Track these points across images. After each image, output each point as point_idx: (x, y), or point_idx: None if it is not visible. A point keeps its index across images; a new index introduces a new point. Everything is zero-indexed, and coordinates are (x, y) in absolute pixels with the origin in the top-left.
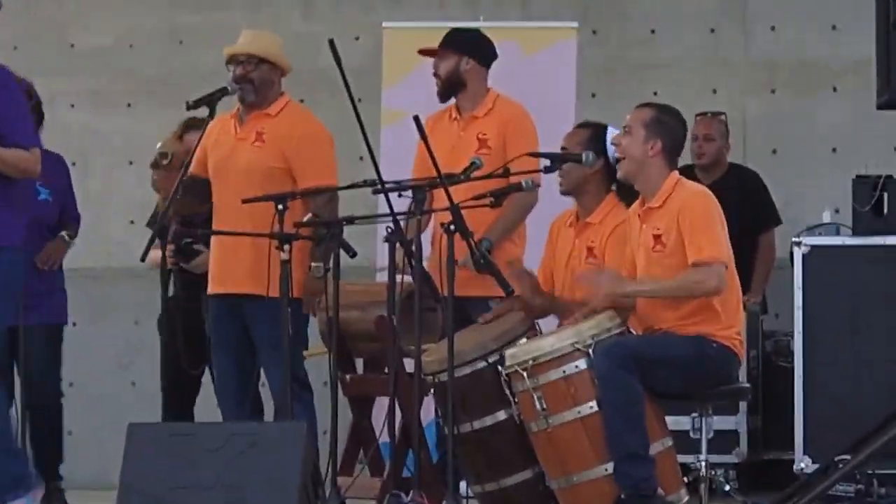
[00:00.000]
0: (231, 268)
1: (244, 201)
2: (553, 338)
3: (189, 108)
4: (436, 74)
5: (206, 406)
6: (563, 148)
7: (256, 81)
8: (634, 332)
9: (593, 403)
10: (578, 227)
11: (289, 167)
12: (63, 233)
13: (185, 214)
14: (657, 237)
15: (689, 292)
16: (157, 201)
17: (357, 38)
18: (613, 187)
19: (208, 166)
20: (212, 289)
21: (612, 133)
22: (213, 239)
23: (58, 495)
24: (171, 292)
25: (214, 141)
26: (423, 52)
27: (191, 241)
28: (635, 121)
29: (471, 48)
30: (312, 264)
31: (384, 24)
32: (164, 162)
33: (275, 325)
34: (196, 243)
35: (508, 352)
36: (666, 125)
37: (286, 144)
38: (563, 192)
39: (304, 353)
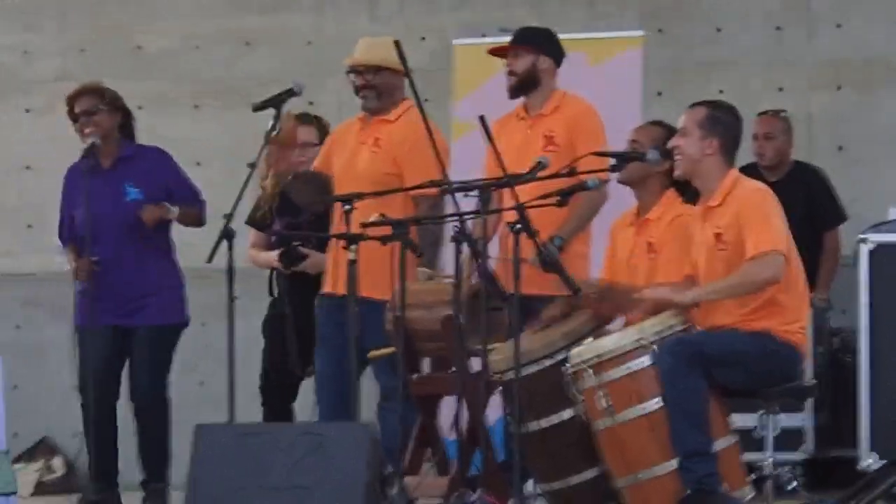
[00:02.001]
0: (341, 269)
1: (312, 201)
2: (617, 335)
3: (255, 109)
4: (511, 72)
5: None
6: (632, 142)
7: (379, 88)
8: (698, 329)
9: (658, 400)
10: (638, 224)
11: (401, 173)
12: (175, 207)
13: (301, 203)
14: (718, 235)
15: (748, 287)
16: (259, 196)
17: (423, 39)
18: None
19: (332, 168)
20: (326, 288)
21: None
22: (331, 243)
23: (159, 496)
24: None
25: (338, 144)
26: (494, 52)
27: (299, 243)
28: (690, 120)
29: (547, 46)
30: (418, 269)
31: (454, 42)
32: (273, 133)
33: (375, 327)
34: (304, 245)
35: (574, 350)
36: (720, 122)
37: (399, 150)
38: (620, 181)
39: (371, 353)
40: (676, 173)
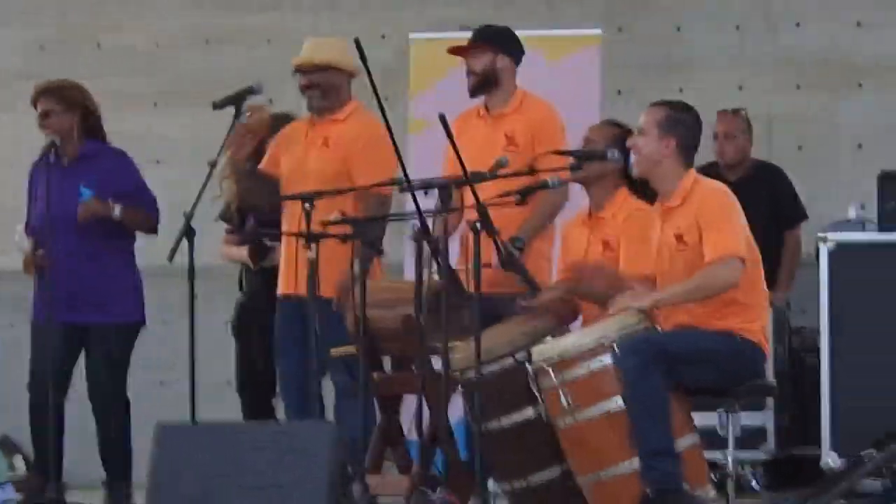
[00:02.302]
0: (297, 269)
1: (269, 201)
2: (579, 334)
3: (215, 107)
4: (470, 72)
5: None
6: (588, 140)
7: (323, 87)
8: (660, 329)
9: (619, 399)
10: (591, 223)
11: (347, 170)
12: (118, 206)
13: (250, 203)
14: (679, 237)
15: (706, 291)
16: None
17: (384, 37)
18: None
19: (282, 171)
20: (282, 289)
21: None
22: (283, 241)
23: (122, 495)
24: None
25: (286, 145)
26: (453, 51)
27: (265, 238)
28: (649, 120)
29: (506, 45)
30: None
31: (411, 36)
32: (247, 113)
33: (330, 325)
34: (271, 240)
35: (535, 349)
36: (679, 123)
37: (349, 149)
38: (575, 181)
39: (332, 351)
40: (635, 172)
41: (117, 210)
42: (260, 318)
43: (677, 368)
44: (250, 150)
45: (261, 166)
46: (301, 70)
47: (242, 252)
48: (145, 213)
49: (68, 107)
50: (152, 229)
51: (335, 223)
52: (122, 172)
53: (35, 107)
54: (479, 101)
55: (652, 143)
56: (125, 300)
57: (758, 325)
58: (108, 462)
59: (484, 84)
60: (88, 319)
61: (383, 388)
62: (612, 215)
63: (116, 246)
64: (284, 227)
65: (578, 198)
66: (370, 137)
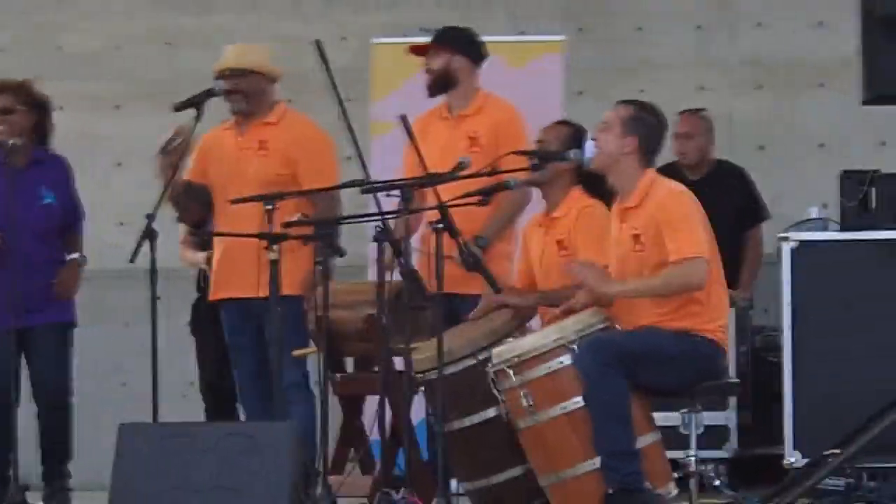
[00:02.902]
0: (242, 272)
1: (233, 201)
2: (538, 335)
3: (176, 109)
4: (428, 70)
5: None
6: (539, 141)
7: (246, 92)
8: (619, 328)
9: (579, 399)
10: (546, 223)
11: (293, 173)
12: (75, 255)
13: (193, 222)
14: (636, 237)
15: (673, 289)
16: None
17: (344, 39)
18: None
19: (210, 177)
20: (221, 294)
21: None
22: (218, 246)
23: (63, 495)
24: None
25: (213, 153)
26: (414, 51)
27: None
28: (614, 117)
29: (463, 46)
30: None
31: (373, 40)
32: (175, 143)
33: (284, 325)
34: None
35: (495, 350)
36: (643, 123)
37: (291, 151)
38: (530, 182)
39: (294, 352)
40: (593, 165)
41: (79, 255)
42: (217, 317)
43: (637, 368)
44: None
45: (189, 178)
46: (223, 76)
47: (198, 257)
48: (80, 231)
49: (31, 107)
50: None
51: (296, 224)
52: (70, 181)
53: None
54: (441, 102)
55: (614, 140)
56: (60, 301)
57: (717, 325)
58: (51, 463)
59: (440, 83)
60: (30, 322)
61: (345, 388)
62: (563, 215)
63: (58, 251)
64: (226, 230)
65: (540, 199)
66: (311, 139)
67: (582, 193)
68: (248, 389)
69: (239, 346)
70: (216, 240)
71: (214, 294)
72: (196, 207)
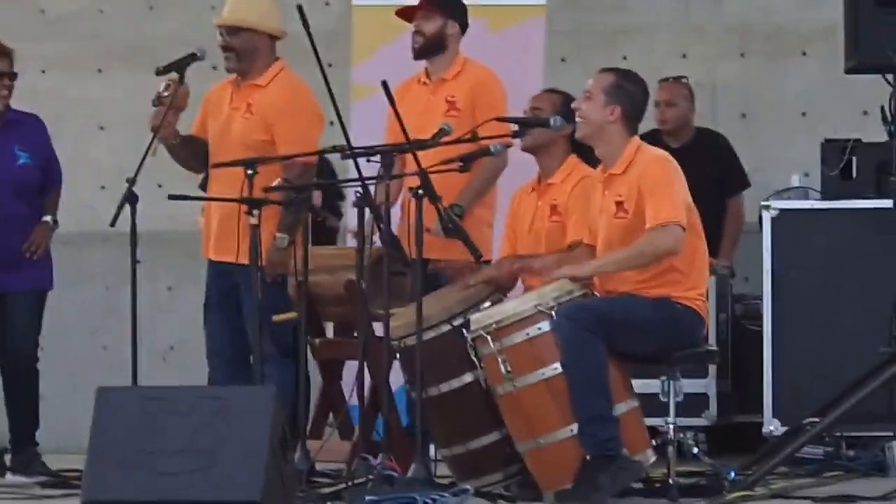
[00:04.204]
0: (223, 236)
1: (213, 166)
2: (516, 301)
3: (158, 73)
4: (418, 32)
5: None
6: (533, 108)
7: (237, 50)
8: (598, 295)
9: (557, 365)
10: (540, 189)
11: (269, 136)
12: (48, 217)
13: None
14: (619, 203)
15: (647, 258)
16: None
17: (327, 4)
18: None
19: (209, 135)
20: (209, 254)
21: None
22: (208, 207)
23: (35, 459)
24: None
25: (213, 108)
26: (401, 14)
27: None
28: (596, 86)
29: (456, 12)
30: (277, 234)
31: (354, 2)
32: (165, 94)
33: (268, 290)
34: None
35: (473, 316)
36: (626, 91)
37: (270, 115)
38: (524, 149)
39: (274, 317)
40: (578, 135)
41: (51, 219)
42: None
43: (615, 334)
44: (174, 124)
45: (192, 131)
46: (219, 32)
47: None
48: (58, 192)
49: (10, 68)
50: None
51: (277, 189)
52: (46, 139)
53: None
54: (422, 68)
55: (597, 108)
56: (39, 266)
57: (696, 293)
58: (20, 426)
59: (430, 47)
60: (7, 287)
61: (325, 353)
62: (561, 181)
63: (36, 213)
64: (214, 193)
65: (527, 167)
66: (288, 104)
67: (579, 162)
68: (218, 351)
69: (215, 308)
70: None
71: (203, 253)
72: (196, 160)
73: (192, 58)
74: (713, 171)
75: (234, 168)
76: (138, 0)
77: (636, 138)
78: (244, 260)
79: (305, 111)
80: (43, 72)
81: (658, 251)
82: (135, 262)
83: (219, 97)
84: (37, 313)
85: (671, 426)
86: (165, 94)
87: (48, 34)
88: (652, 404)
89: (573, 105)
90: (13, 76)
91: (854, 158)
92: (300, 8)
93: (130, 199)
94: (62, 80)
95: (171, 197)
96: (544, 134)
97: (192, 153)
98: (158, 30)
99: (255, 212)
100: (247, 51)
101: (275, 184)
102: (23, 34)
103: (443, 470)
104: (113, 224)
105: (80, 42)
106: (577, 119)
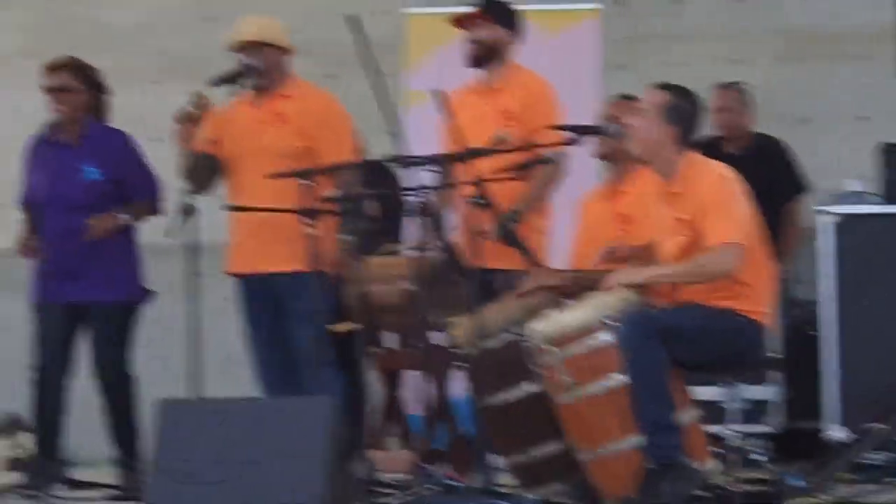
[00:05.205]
0: (260, 246)
1: (272, 176)
2: (578, 311)
3: (212, 85)
4: (473, 40)
5: None
6: (606, 116)
7: (263, 66)
8: (660, 304)
9: (619, 375)
10: (611, 197)
11: (311, 146)
12: (123, 215)
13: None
14: (681, 221)
15: (703, 276)
16: None
17: (377, 13)
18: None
19: (224, 150)
20: (238, 268)
21: None
22: (235, 221)
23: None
24: None
25: (228, 126)
26: (458, 22)
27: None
28: (648, 104)
29: (514, 22)
30: (339, 237)
31: (403, 10)
32: (196, 110)
33: (308, 299)
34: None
35: (535, 325)
36: (679, 109)
37: (308, 123)
38: (598, 157)
39: (332, 327)
40: (632, 152)
41: (123, 219)
42: None
43: (677, 344)
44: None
45: (204, 150)
46: (236, 50)
47: None
48: (148, 203)
49: (86, 84)
50: (156, 211)
51: (335, 199)
52: (126, 155)
53: (46, 80)
54: (473, 75)
55: (651, 127)
56: (127, 277)
57: (760, 303)
58: (118, 440)
59: (486, 56)
60: (91, 297)
61: (384, 363)
62: (632, 190)
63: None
64: (244, 204)
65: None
66: (326, 113)
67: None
68: (267, 363)
69: (259, 322)
70: (230, 214)
71: (233, 268)
72: (212, 177)
73: (247, 70)
74: (772, 176)
75: (263, 179)
76: (197, 11)
77: (692, 153)
78: (288, 268)
79: (341, 117)
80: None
81: (716, 271)
82: (195, 273)
83: (231, 114)
84: (122, 324)
85: (733, 433)
86: (196, 109)
87: (106, 46)
88: (713, 411)
89: (625, 121)
90: (80, 91)
91: None
92: (354, 19)
93: (187, 210)
94: (119, 93)
95: (229, 208)
96: (616, 142)
97: (214, 167)
98: (217, 41)
99: (313, 221)
100: (271, 66)
101: (331, 193)
102: (81, 45)
103: (506, 479)
104: (172, 236)
105: (137, 54)
106: (631, 136)
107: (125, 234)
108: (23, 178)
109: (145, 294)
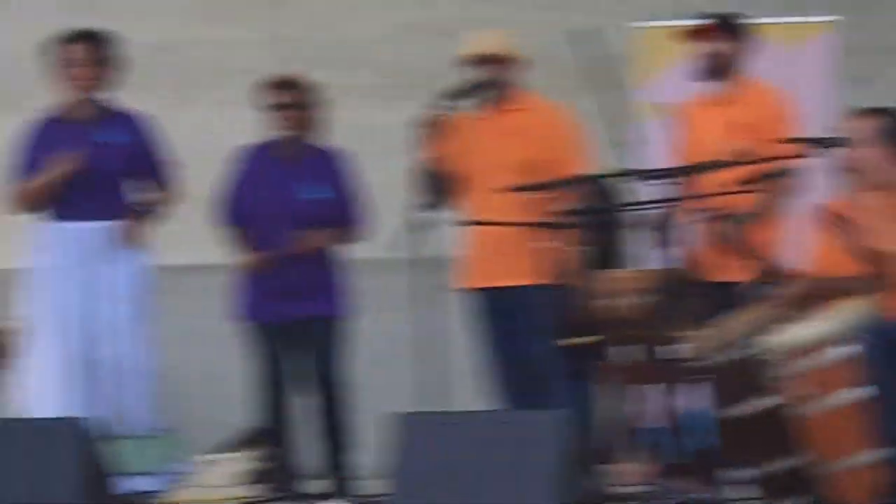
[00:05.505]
0: (497, 260)
1: (509, 189)
2: (819, 322)
3: (447, 98)
4: (706, 54)
5: None
6: (850, 129)
7: (500, 80)
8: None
9: (861, 388)
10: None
11: (546, 158)
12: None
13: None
14: None
15: None
16: None
17: (606, 28)
18: None
19: (461, 165)
20: (474, 283)
21: None
22: (469, 235)
23: (343, 485)
24: None
25: (464, 140)
26: (689, 36)
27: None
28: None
29: (744, 35)
30: (574, 249)
31: (632, 24)
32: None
33: (543, 313)
34: None
35: (775, 338)
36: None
37: (544, 136)
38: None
39: (568, 340)
40: (856, 187)
41: (327, 239)
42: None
43: None
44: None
45: (436, 163)
46: (473, 63)
47: None
48: (349, 232)
49: (311, 103)
50: (356, 239)
51: (576, 213)
52: (344, 173)
53: (267, 98)
54: (705, 88)
55: (872, 156)
56: (340, 292)
57: None
58: (335, 451)
59: (719, 68)
60: (310, 313)
61: (620, 376)
62: (874, 202)
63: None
64: (485, 218)
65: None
66: (561, 126)
67: None
68: (505, 377)
69: (495, 336)
70: (464, 228)
71: (468, 282)
72: (443, 194)
73: (485, 83)
74: None
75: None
76: (430, 27)
77: None
78: (523, 282)
79: (573, 129)
80: (341, 100)
81: None
82: (436, 287)
83: (464, 128)
84: (341, 338)
85: None
86: (432, 123)
87: (346, 62)
88: None
89: (850, 159)
90: (304, 109)
91: None
92: (585, 35)
93: (415, 225)
94: (360, 109)
95: (466, 223)
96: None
97: (448, 181)
98: (448, 57)
99: (550, 234)
100: (507, 80)
101: (571, 207)
102: (322, 62)
103: (746, 491)
104: (406, 251)
105: (368, 70)
106: (854, 170)
107: (337, 252)
108: (231, 192)
109: (354, 309)
